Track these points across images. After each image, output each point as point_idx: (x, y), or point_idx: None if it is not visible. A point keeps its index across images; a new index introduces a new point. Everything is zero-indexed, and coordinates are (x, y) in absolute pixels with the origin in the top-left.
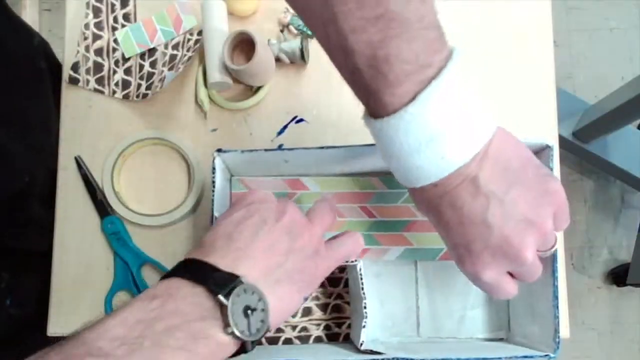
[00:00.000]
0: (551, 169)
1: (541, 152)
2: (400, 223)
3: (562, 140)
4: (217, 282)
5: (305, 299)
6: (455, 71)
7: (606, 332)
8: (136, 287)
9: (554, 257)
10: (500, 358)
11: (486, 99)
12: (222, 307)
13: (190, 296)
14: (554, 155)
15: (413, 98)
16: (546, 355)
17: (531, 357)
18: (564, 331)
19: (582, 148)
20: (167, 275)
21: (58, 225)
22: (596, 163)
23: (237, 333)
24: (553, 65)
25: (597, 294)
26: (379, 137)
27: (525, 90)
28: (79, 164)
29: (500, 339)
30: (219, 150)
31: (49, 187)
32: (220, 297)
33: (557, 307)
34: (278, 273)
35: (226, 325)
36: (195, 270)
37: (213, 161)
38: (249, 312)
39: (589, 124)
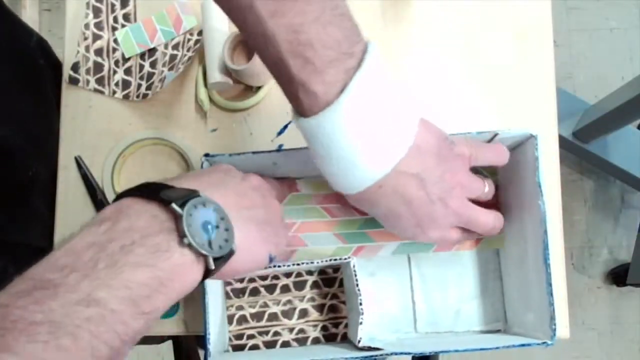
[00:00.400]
0: (536, 158)
1: (526, 141)
2: None
3: (562, 140)
4: (171, 195)
5: (271, 260)
6: (378, 61)
7: (606, 332)
8: None
9: (544, 245)
10: (497, 347)
11: (487, 99)
12: (177, 218)
13: (143, 212)
14: (538, 145)
15: (343, 89)
16: (544, 343)
17: (528, 344)
18: (564, 331)
19: (582, 148)
20: (116, 199)
21: (58, 225)
22: (596, 163)
23: (194, 244)
24: (553, 65)
25: (597, 294)
26: (315, 136)
27: (525, 90)
28: (79, 164)
29: (498, 331)
30: (207, 155)
31: (50, 186)
32: (174, 206)
33: (552, 294)
34: (245, 213)
35: (181, 236)
36: (148, 189)
37: (202, 166)
38: (210, 227)
39: (589, 124)
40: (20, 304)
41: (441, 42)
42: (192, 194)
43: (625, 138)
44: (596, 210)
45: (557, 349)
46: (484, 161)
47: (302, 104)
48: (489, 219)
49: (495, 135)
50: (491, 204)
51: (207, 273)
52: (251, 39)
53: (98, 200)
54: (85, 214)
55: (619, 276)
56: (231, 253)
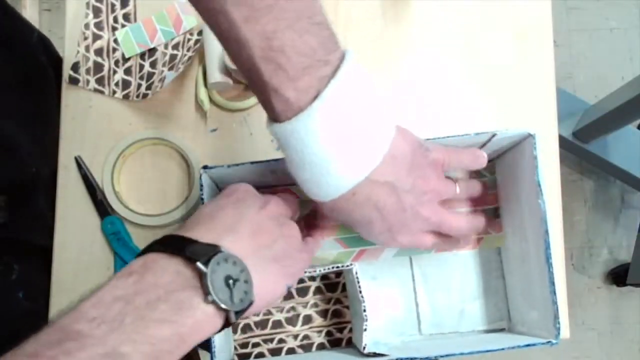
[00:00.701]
0: (535, 157)
1: (524, 141)
2: None
3: (562, 140)
4: (195, 251)
5: (289, 288)
6: (355, 69)
7: (606, 332)
8: None
9: (546, 244)
10: (502, 349)
11: (486, 99)
12: (201, 276)
13: (168, 267)
14: (536, 144)
15: (317, 96)
16: (548, 342)
17: (533, 344)
18: (564, 331)
19: (582, 148)
20: (142, 252)
21: (58, 225)
22: (596, 163)
23: (217, 301)
24: (553, 65)
25: (597, 294)
26: (288, 142)
27: (525, 90)
28: (79, 164)
29: (502, 329)
30: (205, 167)
31: (51, 186)
32: (199, 264)
33: (555, 293)
34: (264, 253)
35: (206, 293)
36: (171, 244)
37: (200, 178)
38: (231, 282)
39: (589, 124)
40: (50, 354)
41: (441, 42)
42: (215, 249)
43: (625, 138)
44: (596, 210)
45: (557, 349)
46: (459, 165)
47: (274, 110)
48: (461, 223)
49: (494, 135)
50: (481, 202)
51: (227, 324)
52: (225, 44)
53: (98, 200)
54: (85, 214)
55: (619, 276)
56: (251, 303)
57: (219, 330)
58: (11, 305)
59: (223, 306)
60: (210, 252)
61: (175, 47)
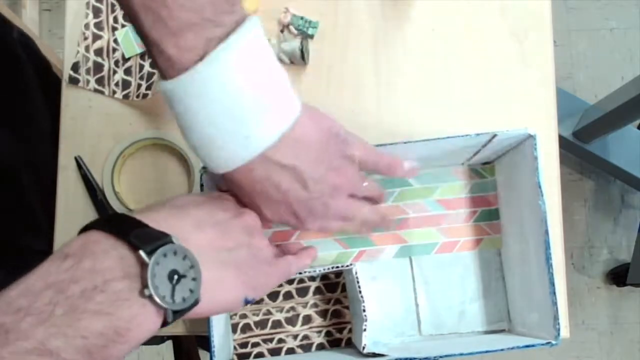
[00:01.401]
0: (535, 158)
1: (525, 142)
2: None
3: (562, 140)
4: (141, 236)
5: (247, 303)
6: (253, 38)
7: (606, 332)
8: None
9: (546, 244)
10: (501, 349)
11: (487, 99)
12: (144, 266)
13: (112, 251)
14: (537, 145)
15: (202, 57)
16: (548, 343)
17: (533, 345)
18: (564, 331)
19: (582, 148)
20: (84, 228)
21: (58, 225)
22: (596, 163)
23: (155, 297)
24: (553, 65)
25: (597, 294)
26: (171, 103)
27: (525, 90)
28: (79, 164)
29: (502, 330)
30: (205, 168)
31: (44, 184)
32: (141, 253)
33: (555, 294)
34: (225, 256)
35: (144, 285)
36: (118, 223)
37: (200, 178)
38: (176, 277)
39: (589, 124)
40: None
41: (441, 42)
42: (165, 239)
43: (625, 138)
44: (596, 210)
45: (557, 349)
46: (373, 168)
47: (159, 67)
48: (368, 215)
49: (494, 136)
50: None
51: (165, 322)
52: None
53: (98, 200)
54: (85, 214)
55: (619, 276)
56: (195, 303)
57: (161, 327)
58: None
59: (159, 302)
60: (158, 240)
61: None
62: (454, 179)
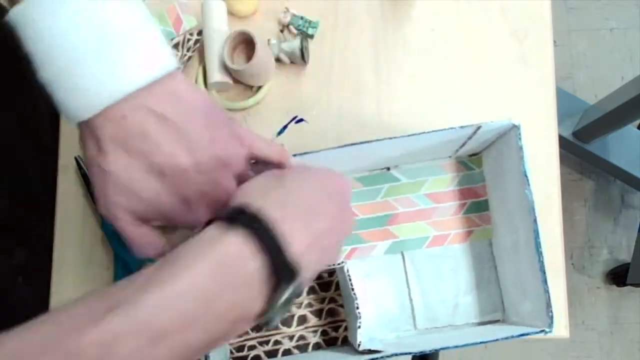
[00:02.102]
0: (520, 148)
1: (509, 132)
2: (382, 218)
3: (562, 140)
4: (286, 273)
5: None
6: None
7: (606, 332)
8: None
9: (535, 233)
10: (496, 339)
11: (487, 99)
12: (272, 297)
13: (255, 279)
14: (521, 134)
15: None
16: (542, 331)
17: (527, 334)
18: (564, 331)
19: (582, 148)
20: (221, 220)
21: (58, 225)
22: (596, 163)
23: (261, 324)
24: (553, 65)
25: (597, 294)
26: (22, 30)
27: (525, 90)
28: (79, 163)
29: (497, 321)
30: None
31: (47, 168)
32: (283, 290)
33: (546, 282)
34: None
35: (262, 314)
36: (264, 239)
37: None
38: (289, 303)
39: (589, 124)
40: None
41: (441, 42)
42: (300, 279)
43: (625, 138)
44: (596, 210)
45: (557, 349)
46: (259, 153)
47: None
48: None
49: (479, 128)
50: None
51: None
52: None
53: None
54: (85, 214)
55: (619, 276)
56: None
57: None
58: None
59: (259, 323)
60: (295, 276)
61: (175, 47)
62: (441, 172)
